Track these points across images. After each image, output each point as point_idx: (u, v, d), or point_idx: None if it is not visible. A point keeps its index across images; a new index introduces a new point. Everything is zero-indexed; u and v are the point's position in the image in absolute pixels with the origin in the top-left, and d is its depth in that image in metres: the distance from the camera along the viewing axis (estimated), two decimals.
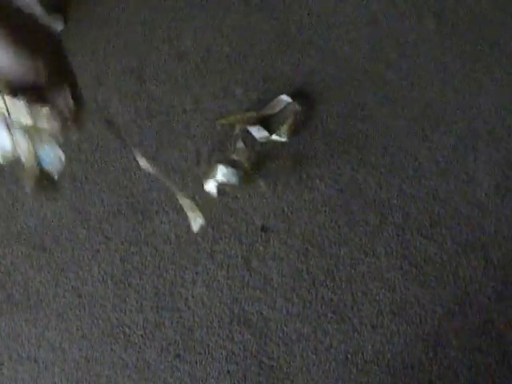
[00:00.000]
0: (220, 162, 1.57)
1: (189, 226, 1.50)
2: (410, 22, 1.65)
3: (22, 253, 1.68)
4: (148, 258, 1.56)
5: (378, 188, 1.48)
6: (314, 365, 1.34)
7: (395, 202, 1.46)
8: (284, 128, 1.56)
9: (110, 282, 1.57)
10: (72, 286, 1.59)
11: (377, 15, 1.69)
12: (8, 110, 0.56)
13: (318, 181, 1.51)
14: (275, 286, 1.45)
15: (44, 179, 0.65)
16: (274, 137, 1.57)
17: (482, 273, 1.36)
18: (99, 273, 1.59)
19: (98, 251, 1.61)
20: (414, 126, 1.54)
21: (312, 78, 1.65)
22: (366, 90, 1.60)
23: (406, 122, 1.55)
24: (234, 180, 1.53)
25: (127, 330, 1.49)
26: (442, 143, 1.51)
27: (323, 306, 1.42)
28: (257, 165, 1.56)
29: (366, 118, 1.56)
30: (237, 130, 1.61)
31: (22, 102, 0.56)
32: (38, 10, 1.95)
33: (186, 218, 1.50)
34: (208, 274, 1.49)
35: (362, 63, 1.63)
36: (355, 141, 1.55)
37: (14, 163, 0.62)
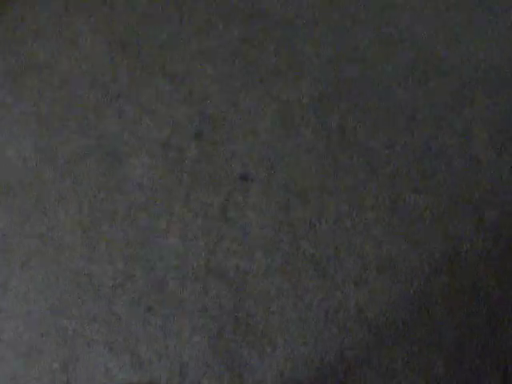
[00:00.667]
0: None
1: (161, 170, 1.42)
2: None
3: None
4: (119, 205, 1.46)
5: (368, 137, 1.38)
6: (293, 322, 1.27)
7: (385, 152, 1.37)
8: None
9: (77, 229, 1.47)
10: (37, 233, 1.49)
11: None
12: None
13: (303, 127, 1.41)
14: (254, 238, 1.37)
15: None
16: None
17: (473, 231, 1.29)
18: (66, 219, 1.48)
19: (65, 197, 1.50)
20: (408, 73, 1.43)
21: (301, 13, 1.52)
22: (358, 31, 1.48)
23: (401, 67, 1.45)
24: None
25: (96, 281, 1.40)
26: (438, 93, 1.41)
27: (304, 261, 1.35)
28: None
29: (358, 61, 1.45)
30: None
31: None
32: None
33: (158, 161, 1.43)
34: (182, 223, 1.39)
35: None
36: (345, 86, 1.44)
37: None
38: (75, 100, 1.59)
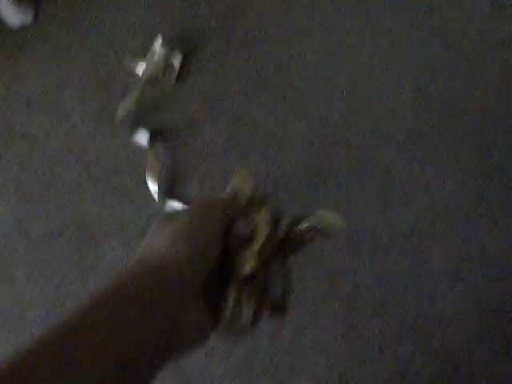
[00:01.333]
0: None
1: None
2: (389, 88, 1.64)
3: None
4: (87, 287, 1.49)
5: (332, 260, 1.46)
6: None
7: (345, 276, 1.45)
8: None
9: (41, 306, 1.49)
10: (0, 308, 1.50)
11: (355, 80, 1.67)
12: None
13: None
14: None
15: None
16: None
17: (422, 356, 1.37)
18: (32, 295, 1.51)
19: (35, 271, 1.53)
20: (376, 202, 1.53)
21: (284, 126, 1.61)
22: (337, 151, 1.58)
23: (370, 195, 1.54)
24: None
25: None
26: (401, 221, 1.51)
27: None
28: None
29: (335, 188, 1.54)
30: None
31: None
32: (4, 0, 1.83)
33: (131, 251, 1.47)
34: None
35: (337, 122, 1.61)
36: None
37: None
38: (57, 177, 1.63)
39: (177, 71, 1.68)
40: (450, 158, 1.54)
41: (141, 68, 1.71)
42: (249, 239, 0.58)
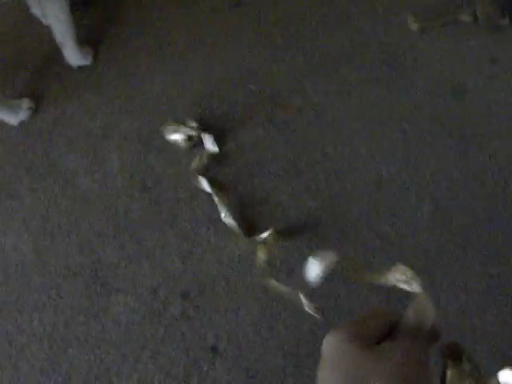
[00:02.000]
0: None
1: (141, 316, 1.52)
2: (409, 198, 1.73)
3: None
4: (92, 333, 1.54)
5: None
6: None
7: None
8: None
9: (46, 341, 1.54)
10: (6, 330, 1.56)
11: (382, 179, 1.77)
12: None
13: (281, 325, 1.54)
14: None
15: None
16: None
17: None
18: (38, 328, 1.56)
19: (45, 305, 1.58)
20: None
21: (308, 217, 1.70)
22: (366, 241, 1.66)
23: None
24: None
25: None
26: None
27: None
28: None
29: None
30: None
31: None
32: (70, 42, 1.94)
33: (142, 307, 1.53)
34: (145, 374, 1.48)
35: (362, 217, 1.70)
36: None
37: None
38: (84, 218, 1.70)
39: (208, 151, 1.79)
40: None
41: (174, 136, 1.81)
42: None
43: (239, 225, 1.65)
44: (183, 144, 1.80)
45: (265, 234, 1.61)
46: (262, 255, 1.60)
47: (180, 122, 1.85)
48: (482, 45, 2.07)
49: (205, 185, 1.72)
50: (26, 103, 1.91)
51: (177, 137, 1.79)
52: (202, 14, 2.20)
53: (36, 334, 1.55)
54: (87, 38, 2.08)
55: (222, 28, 2.15)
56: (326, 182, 1.77)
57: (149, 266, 1.63)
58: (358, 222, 1.70)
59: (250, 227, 1.67)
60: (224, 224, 1.67)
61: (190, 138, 1.79)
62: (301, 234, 1.67)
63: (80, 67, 2.03)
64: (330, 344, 0.54)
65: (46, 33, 2.00)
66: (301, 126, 1.89)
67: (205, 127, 1.84)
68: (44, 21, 2.00)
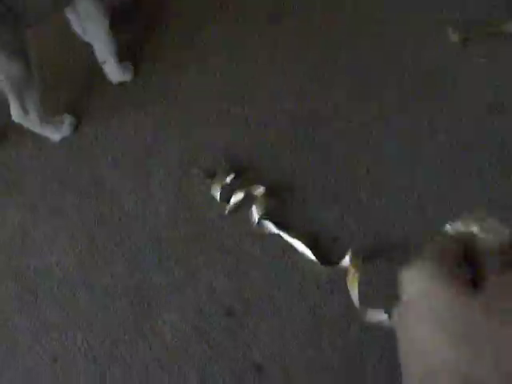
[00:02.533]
0: None
1: (187, 335, 1.52)
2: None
3: (13, 292, 1.65)
4: (138, 352, 1.54)
5: None
6: None
7: None
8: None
9: (91, 358, 1.55)
10: (53, 349, 1.57)
11: (421, 199, 1.75)
12: None
13: (328, 346, 1.53)
14: None
15: None
16: None
17: None
18: (84, 347, 1.56)
19: (92, 324, 1.59)
20: None
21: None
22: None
23: None
24: None
25: None
26: None
27: None
28: None
29: None
30: None
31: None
32: (111, 58, 1.97)
33: (187, 325, 1.53)
34: None
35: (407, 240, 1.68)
36: None
37: None
38: (130, 237, 1.72)
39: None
40: None
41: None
42: None
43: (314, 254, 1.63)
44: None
45: (346, 260, 1.59)
46: (352, 282, 1.55)
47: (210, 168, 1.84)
48: None
49: (271, 227, 1.69)
50: (68, 119, 1.94)
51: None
52: (243, 29, 2.21)
53: (82, 352, 1.56)
54: (127, 54, 2.10)
55: (265, 48, 2.15)
56: (367, 201, 1.76)
57: (193, 284, 1.63)
58: (402, 246, 1.67)
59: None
60: (271, 238, 1.68)
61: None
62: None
63: (121, 83, 2.05)
64: (415, 282, 0.42)
65: (86, 50, 2.02)
66: (341, 147, 1.87)
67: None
68: (85, 38, 2.03)
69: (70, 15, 1.99)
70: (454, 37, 2.06)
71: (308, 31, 2.18)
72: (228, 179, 1.77)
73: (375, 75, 2.04)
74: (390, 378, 1.46)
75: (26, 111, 1.82)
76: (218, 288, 1.62)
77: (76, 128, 1.95)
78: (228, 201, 1.74)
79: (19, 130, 1.89)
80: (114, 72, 2.01)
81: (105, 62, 1.99)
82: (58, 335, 1.58)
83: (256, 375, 1.50)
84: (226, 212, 1.73)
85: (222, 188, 1.75)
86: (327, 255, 1.64)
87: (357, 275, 1.52)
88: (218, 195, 1.75)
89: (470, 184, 1.77)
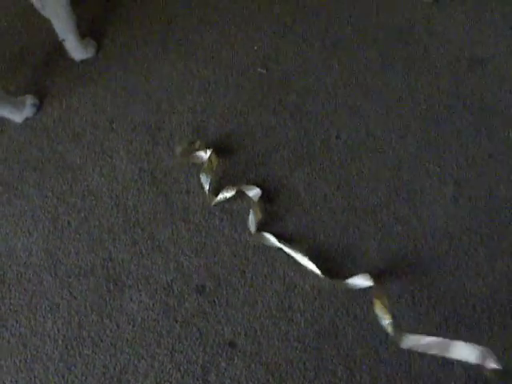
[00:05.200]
0: None
1: (156, 313, 1.48)
2: (430, 182, 1.66)
3: None
4: (107, 332, 1.50)
5: None
6: None
7: None
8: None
9: (60, 342, 1.50)
10: (20, 333, 1.52)
11: (400, 161, 1.70)
12: None
13: (299, 315, 1.49)
14: None
15: None
16: None
17: None
18: (52, 329, 1.52)
19: (58, 306, 1.54)
20: None
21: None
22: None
23: None
24: None
25: None
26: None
27: None
28: None
29: None
30: None
31: None
32: (71, 35, 1.89)
33: (156, 303, 1.49)
34: (161, 372, 1.44)
35: (382, 202, 1.63)
36: None
37: None
38: (94, 215, 1.66)
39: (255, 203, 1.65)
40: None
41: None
42: None
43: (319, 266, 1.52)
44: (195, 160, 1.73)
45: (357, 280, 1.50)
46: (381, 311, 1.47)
47: (188, 138, 1.79)
48: (503, 14, 1.98)
49: (272, 240, 1.57)
50: (29, 100, 1.86)
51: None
52: None
53: (50, 335, 1.51)
54: (89, 31, 2.02)
55: (230, 10, 2.08)
56: (341, 167, 1.70)
57: (162, 261, 1.58)
58: (376, 207, 1.63)
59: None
60: (238, 213, 1.63)
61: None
62: (319, 219, 1.61)
63: (83, 61, 1.98)
64: None
65: (47, 27, 1.94)
66: (313, 109, 1.82)
67: (209, 114, 1.78)
68: (44, 13, 1.95)
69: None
70: None
71: None
72: (207, 154, 1.70)
73: (349, 35, 1.98)
74: (366, 351, 1.42)
75: None
76: (186, 265, 1.57)
77: (38, 108, 1.88)
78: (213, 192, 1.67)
79: None
80: (75, 49, 1.93)
81: (65, 40, 1.91)
82: (24, 319, 1.54)
83: (229, 351, 1.45)
84: (212, 205, 1.65)
85: (213, 177, 1.68)
86: (329, 265, 1.56)
87: (384, 306, 1.44)
88: (206, 186, 1.67)
89: (449, 143, 1.72)
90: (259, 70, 1.90)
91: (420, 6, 2.02)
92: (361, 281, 1.48)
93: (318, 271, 1.50)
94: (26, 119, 1.86)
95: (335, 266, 1.54)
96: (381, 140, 1.75)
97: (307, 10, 2.05)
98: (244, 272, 1.54)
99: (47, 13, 1.89)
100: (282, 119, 1.80)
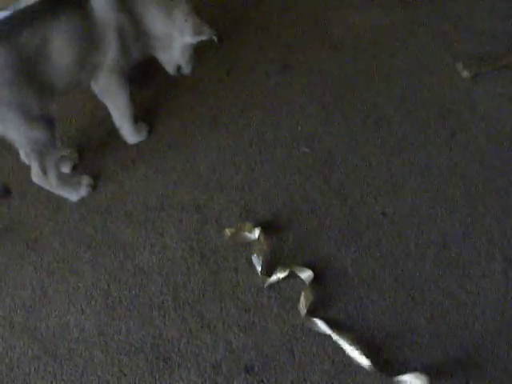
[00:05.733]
0: None
1: None
2: (478, 257, 1.66)
3: (31, 352, 1.63)
4: None
5: None
6: None
7: None
8: None
9: None
10: None
11: (446, 237, 1.71)
12: None
13: None
14: None
15: None
16: None
17: None
18: None
19: (108, 382, 1.55)
20: None
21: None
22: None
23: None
24: None
25: None
26: None
27: None
28: None
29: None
30: None
31: None
32: (127, 123, 2.01)
33: (205, 382, 1.49)
34: None
35: (429, 279, 1.63)
36: None
37: None
38: (144, 293, 1.69)
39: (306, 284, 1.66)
40: None
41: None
42: None
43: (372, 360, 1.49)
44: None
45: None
46: None
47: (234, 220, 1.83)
48: None
49: (322, 326, 1.57)
50: (85, 180, 1.96)
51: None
52: (253, 80, 2.24)
53: None
54: (141, 114, 2.14)
55: (273, 93, 2.18)
56: (388, 243, 1.72)
57: (210, 339, 1.59)
58: (425, 283, 1.63)
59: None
60: (287, 291, 1.64)
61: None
62: (367, 297, 1.61)
63: (136, 143, 2.09)
64: None
65: (101, 114, 2.07)
66: (357, 186, 1.85)
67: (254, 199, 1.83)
68: (104, 102, 2.06)
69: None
70: (464, 73, 2.06)
71: (319, 75, 2.19)
72: (256, 234, 1.74)
73: (391, 113, 2.04)
74: None
75: (44, 172, 1.85)
76: (235, 344, 1.58)
77: (93, 188, 1.97)
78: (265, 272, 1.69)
79: (39, 189, 1.93)
80: (129, 135, 2.05)
81: (121, 127, 2.04)
82: None
83: None
84: (265, 286, 1.67)
85: (264, 257, 1.71)
86: (379, 352, 1.53)
87: None
88: (258, 267, 1.69)
89: (496, 218, 1.72)
90: (304, 149, 1.96)
91: (459, 84, 2.08)
92: (412, 379, 1.44)
93: (366, 364, 1.47)
94: (81, 199, 1.94)
95: (385, 354, 1.53)
96: (426, 216, 1.76)
97: (346, 89, 2.13)
98: (293, 351, 1.54)
99: (108, 103, 2.01)
100: (328, 197, 1.84)
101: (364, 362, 1.47)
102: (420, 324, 1.56)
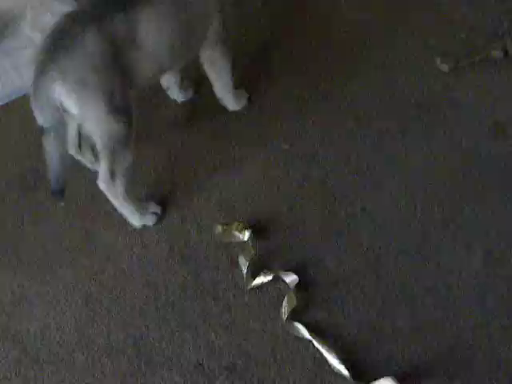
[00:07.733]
0: None
1: None
2: (458, 251, 1.67)
3: (11, 356, 1.62)
4: None
5: None
6: None
7: None
8: None
9: None
10: None
11: (426, 231, 1.72)
12: None
13: None
14: None
15: None
16: None
17: None
18: None
19: None
20: None
21: None
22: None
23: None
24: None
25: None
26: None
27: None
28: None
29: None
30: None
31: None
32: (229, 93, 2.05)
33: (187, 382, 1.49)
34: None
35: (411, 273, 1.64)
36: None
37: None
38: (126, 294, 1.69)
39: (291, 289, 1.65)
40: None
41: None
42: None
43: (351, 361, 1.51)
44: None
45: None
46: None
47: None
48: None
49: (303, 331, 1.55)
50: (152, 208, 1.85)
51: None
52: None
53: None
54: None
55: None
56: (368, 240, 1.73)
57: (192, 338, 1.59)
58: (405, 278, 1.63)
59: None
60: (269, 292, 1.65)
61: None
62: (348, 293, 1.62)
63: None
64: None
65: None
66: (336, 181, 1.86)
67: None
68: (209, 72, 1.99)
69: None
70: (443, 66, 2.06)
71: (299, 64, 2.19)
72: (246, 236, 1.73)
73: (372, 108, 2.04)
74: None
75: (113, 176, 1.71)
76: (217, 343, 1.58)
77: (160, 218, 1.85)
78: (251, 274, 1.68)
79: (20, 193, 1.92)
80: (231, 103, 2.06)
81: (223, 97, 2.04)
82: None
83: None
84: (248, 287, 1.66)
85: (251, 259, 1.69)
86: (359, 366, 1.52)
87: None
88: (244, 269, 1.67)
89: (478, 210, 1.75)
90: (283, 146, 1.96)
91: (438, 77, 2.08)
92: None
93: (345, 373, 1.46)
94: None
95: (365, 353, 1.53)
96: (406, 210, 1.77)
97: (323, 85, 2.12)
98: (274, 351, 1.54)
99: (210, 74, 1.98)
100: (307, 195, 1.84)
101: (344, 372, 1.46)
102: (401, 320, 1.57)
